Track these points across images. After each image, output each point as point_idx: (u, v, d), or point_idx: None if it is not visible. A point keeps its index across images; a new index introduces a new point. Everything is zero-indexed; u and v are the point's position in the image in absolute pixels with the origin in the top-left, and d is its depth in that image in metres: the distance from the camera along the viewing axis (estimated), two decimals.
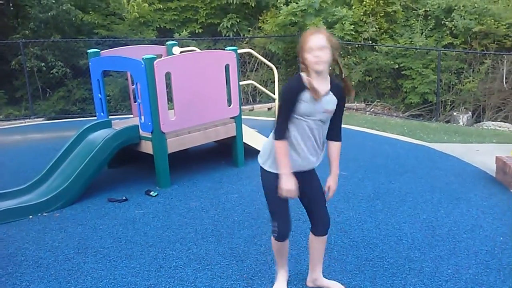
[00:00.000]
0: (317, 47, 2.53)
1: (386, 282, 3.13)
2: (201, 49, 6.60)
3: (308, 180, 2.83)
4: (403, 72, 11.82)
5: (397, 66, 11.82)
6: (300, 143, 2.68)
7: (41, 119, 10.21)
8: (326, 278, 3.10)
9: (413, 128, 8.16)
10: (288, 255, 3.09)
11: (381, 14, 12.43)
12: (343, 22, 12.03)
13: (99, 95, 5.39)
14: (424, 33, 12.01)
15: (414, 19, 12.44)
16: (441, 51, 11.01)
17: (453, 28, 11.80)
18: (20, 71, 11.09)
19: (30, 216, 4.31)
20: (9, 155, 6.46)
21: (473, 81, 11.25)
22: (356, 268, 3.31)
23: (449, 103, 11.47)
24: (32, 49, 10.99)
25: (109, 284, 3.17)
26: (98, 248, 3.70)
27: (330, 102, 2.66)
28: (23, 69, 10.46)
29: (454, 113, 11.13)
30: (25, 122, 9.66)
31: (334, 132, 2.80)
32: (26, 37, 11.18)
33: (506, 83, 11.15)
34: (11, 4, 12.16)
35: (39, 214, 4.35)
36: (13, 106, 11.46)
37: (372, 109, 11.78)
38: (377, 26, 12.42)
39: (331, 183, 2.84)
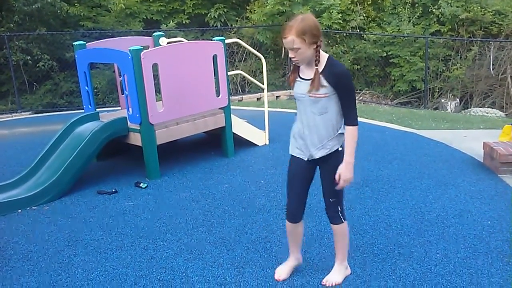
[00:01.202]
0: (288, 48, 2.58)
1: (376, 267, 3.16)
2: (188, 40, 6.55)
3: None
4: (391, 60, 11.85)
5: (385, 54, 11.84)
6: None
7: (28, 113, 10.11)
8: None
9: (401, 115, 8.20)
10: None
11: (368, 2, 12.42)
12: (331, 11, 12.01)
13: (86, 87, 5.34)
14: (411, 21, 12.03)
15: (402, 7, 12.44)
16: (429, 39, 11.05)
17: (440, 16, 11.84)
18: (5, 65, 10.94)
19: (19, 210, 4.28)
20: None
21: (460, 68, 11.31)
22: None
23: (437, 90, 11.53)
24: (17, 43, 10.83)
25: (100, 275, 3.17)
26: (89, 240, 3.69)
27: (298, 87, 2.71)
28: (9, 63, 10.31)
29: (442, 100, 11.20)
30: (11, 117, 9.55)
31: (344, 116, 2.71)
32: (11, 30, 11.01)
33: (493, 69, 11.23)
34: None
35: (28, 208, 4.32)
36: None
37: (361, 97, 11.81)
38: (364, 15, 12.41)
39: (340, 171, 2.72)
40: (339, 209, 2.90)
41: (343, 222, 2.92)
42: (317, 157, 2.77)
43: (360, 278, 3.04)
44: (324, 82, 2.60)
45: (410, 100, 11.76)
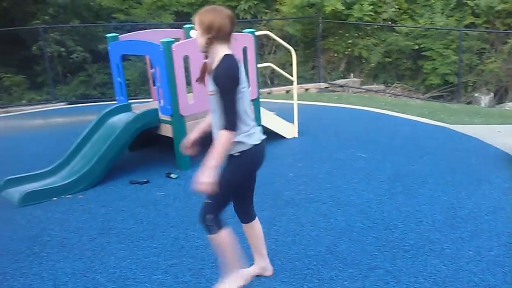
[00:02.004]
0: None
1: (407, 263, 3.13)
2: None
3: None
4: (423, 53, 11.62)
5: (417, 47, 11.62)
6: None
7: (62, 103, 10.35)
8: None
9: (433, 109, 8.05)
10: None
11: None
12: (362, 3, 11.84)
13: (119, 79, 5.43)
14: (445, 13, 11.75)
15: None
16: (463, 31, 10.79)
17: (475, 7, 11.52)
18: (40, 57, 11.22)
19: (54, 198, 4.41)
20: (32, 139, 6.58)
21: (495, 61, 11.01)
22: (376, 249, 3.32)
23: (471, 84, 11.26)
24: (52, 35, 11.09)
25: (132, 263, 3.24)
26: (121, 229, 3.78)
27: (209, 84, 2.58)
28: (44, 55, 10.58)
29: (476, 94, 10.94)
30: (47, 107, 9.81)
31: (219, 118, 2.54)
32: (46, 22, 11.28)
33: None
34: None
35: (63, 196, 4.44)
36: (35, 91, 11.63)
37: (392, 91, 11.64)
38: (396, 6, 12.19)
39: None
40: (211, 215, 2.62)
41: (214, 233, 2.64)
42: None
43: (390, 273, 3.01)
44: (210, 79, 2.54)
45: (442, 94, 11.53)
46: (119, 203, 4.29)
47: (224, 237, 2.69)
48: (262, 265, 3.03)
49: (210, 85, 2.56)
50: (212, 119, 2.63)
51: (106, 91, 11.56)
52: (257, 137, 2.66)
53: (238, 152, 2.59)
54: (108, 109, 5.20)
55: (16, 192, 4.40)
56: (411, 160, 5.13)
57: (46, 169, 4.80)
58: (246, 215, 2.92)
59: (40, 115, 8.58)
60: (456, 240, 3.41)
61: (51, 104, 10.08)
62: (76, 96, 11.35)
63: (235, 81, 2.49)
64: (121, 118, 5.05)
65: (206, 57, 2.58)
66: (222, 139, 2.48)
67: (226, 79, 2.47)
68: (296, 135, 6.12)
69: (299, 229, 3.65)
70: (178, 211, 4.07)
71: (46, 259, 3.36)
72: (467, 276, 2.96)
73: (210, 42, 2.51)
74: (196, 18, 2.53)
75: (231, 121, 2.48)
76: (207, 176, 2.50)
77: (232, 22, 2.55)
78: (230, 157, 2.61)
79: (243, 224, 2.94)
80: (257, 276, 3.01)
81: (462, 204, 4.00)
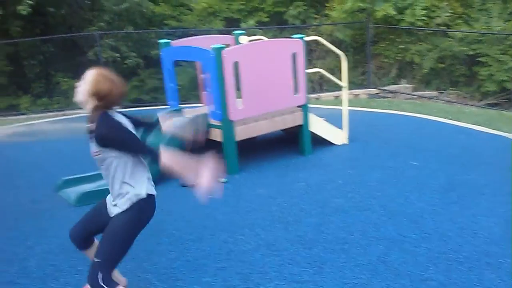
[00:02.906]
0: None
1: (461, 276, 3.01)
2: (268, 38, 6.60)
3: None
4: (478, 59, 11.19)
5: (472, 53, 11.21)
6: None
7: (116, 107, 10.69)
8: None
9: (489, 117, 7.74)
10: None
11: None
12: (414, 7, 11.57)
13: (171, 84, 5.56)
14: (502, 17, 11.29)
15: (492, 3, 11.71)
16: None
17: None
18: (96, 62, 11.65)
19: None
20: (87, 141, 6.81)
21: None
22: (429, 260, 3.22)
23: None
24: (107, 41, 11.51)
25: (183, 265, 3.30)
26: (171, 230, 3.85)
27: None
28: (99, 60, 10.98)
29: None
30: None
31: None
32: (102, 29, 11.72)
33: None
34: None
35: None
36: None
37: (445, 98, 11.28)
38: (450, 11, 11.83)
39: None
40: (101, 275, 2.42)
41: None
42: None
43: (444, 286, 2.91)
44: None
45: (499, 101, 11.05)
46: (170, 205, 4.38)
47: None
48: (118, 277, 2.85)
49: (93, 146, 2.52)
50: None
51: (158, 96, 11.85)
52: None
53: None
54: (160, 114, 5.31)
55: (73, 192, 4.57)
56: (466, 170, 4.94)
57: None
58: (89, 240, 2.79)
59: None
60: None
61: None
62: (129, 100, 11.69)
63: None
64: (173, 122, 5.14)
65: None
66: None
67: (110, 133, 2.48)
68: (346, 142, 6.05)
69: (349, 237, 3.60)
70: (226, 215, 4.11)
71: None
72: None
73: (95, 109, 2.48)
74: (88, 84, 2.45)
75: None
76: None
77: (122, 94, 2.56)
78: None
79: (85, 250, 2.79)
80: None
81: None
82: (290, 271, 3.16)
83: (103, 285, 2.41)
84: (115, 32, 11.62)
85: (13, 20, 11.38)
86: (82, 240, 2.75)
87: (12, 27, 11.60)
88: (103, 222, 2.58)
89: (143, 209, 2.57)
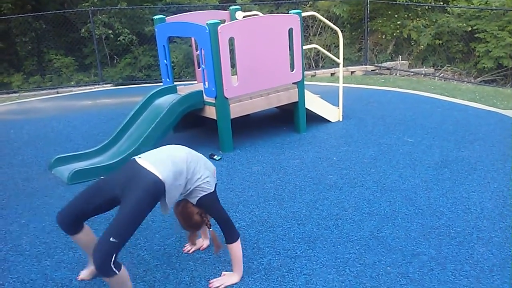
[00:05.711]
0: None
1: (453, 250, 3.04)
2: (264, 14, 6.52)
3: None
4: (476, 35, 11.12)
5: (470, 29, 11.13)
6: None
7: (110, 85, 10.62)
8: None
9: (485, 94, 7.73)
10: None
11: None
12: None
13: (165, 61, 5.50)
14: None
15: None
16: None
17: None
18: (89, 39, 11.53)
19: (102, 177, 4.53)
20: (80, 119, 6.79)
21: None
22: (421, 235, 3.24)
23: None
24: (100, 17, 11.35)
25: (176, 241, 3.31)
26: None
27: None
28: (92, 37, 10.85)
29: None
30: (94, 88, 10.09)
31: None
32: (94, 5, 11.54)
33: None
34: None
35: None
36: (83, 72, 11.98)
37: (442, 74, 11.25)
38: None
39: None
40: (113, 256, 2.29)
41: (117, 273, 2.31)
42: None
43: (435, 260, 2.94)
44: None
45: (495, 78, 11.03)
46: None
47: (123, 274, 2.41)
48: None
49: None
50: None
51: (152, 73, 11.76)
52: None
53: None
54: (154, 91, 5.28)
55: (66, 170, 4.56)
56: (460, 146, 4.95)
57: (94, 149, 4.94)
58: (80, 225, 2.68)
59: (88, 96, 8.83)
60: (505, 228, 3.28)
61: (99, 86, 10.35)
62: (122, 78, 11.61)
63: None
64: (167, 100, 5.12)
65: None
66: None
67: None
68: (341, 119, 6.03)
69: (342, 213, 3.61)
70: (221, 192, 4.07)
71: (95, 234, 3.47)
72: None
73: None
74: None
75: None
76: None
77: None
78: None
79: (74, 235, 2.66)
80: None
81: None
82: (284, 246, 3.18)
83: (114, 268, 2.29)
84: (108, 8, 11.45)
85: None
86: (71, 224, 2.61)
87: (3, 3, 11.41)
88: (104, 200, 2.57)
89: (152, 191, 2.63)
